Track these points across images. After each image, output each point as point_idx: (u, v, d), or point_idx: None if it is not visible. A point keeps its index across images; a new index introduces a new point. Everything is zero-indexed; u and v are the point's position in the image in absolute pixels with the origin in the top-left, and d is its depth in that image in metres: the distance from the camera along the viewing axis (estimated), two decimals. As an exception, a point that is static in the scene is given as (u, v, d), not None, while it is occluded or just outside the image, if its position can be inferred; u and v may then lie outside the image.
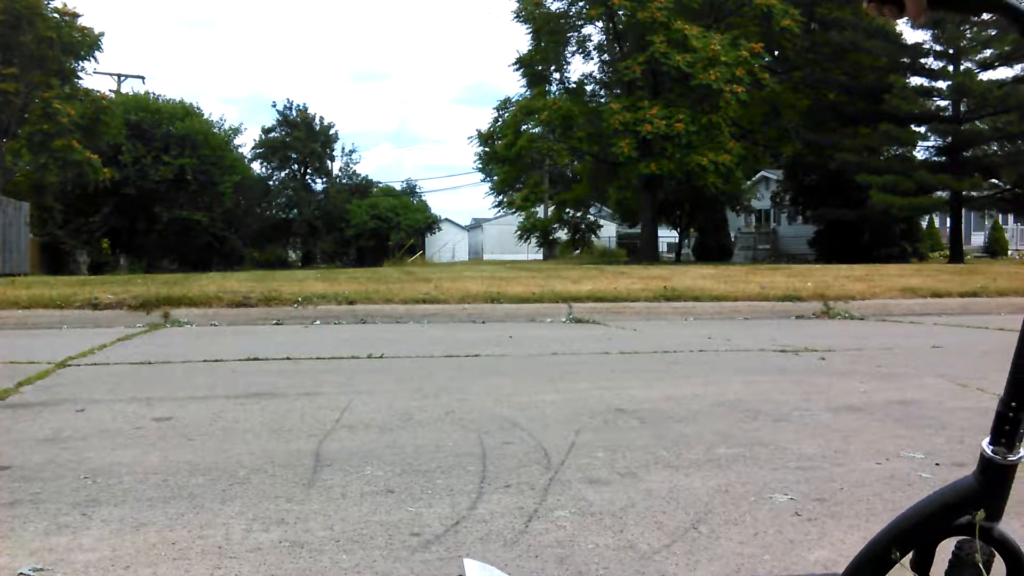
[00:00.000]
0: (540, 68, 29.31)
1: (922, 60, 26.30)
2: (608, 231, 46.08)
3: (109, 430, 2.99)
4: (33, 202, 25.06)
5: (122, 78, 36.51)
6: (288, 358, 4.93)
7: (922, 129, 26.55)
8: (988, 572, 1.16)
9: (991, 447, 1.12)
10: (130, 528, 1.96)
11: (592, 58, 30.59)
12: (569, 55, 29.86)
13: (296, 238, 45.20)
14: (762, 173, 36.13)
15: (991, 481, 1.12)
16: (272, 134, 45.53)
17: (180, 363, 4.75)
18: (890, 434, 2.93)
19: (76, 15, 24.52)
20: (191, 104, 36.76)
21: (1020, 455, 1.12)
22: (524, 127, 28.63)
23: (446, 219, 53.66)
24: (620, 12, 25.29)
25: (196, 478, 2.37)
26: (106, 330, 6.69)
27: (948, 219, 27.92)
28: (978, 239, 36.57)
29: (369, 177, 48.94)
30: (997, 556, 1.15)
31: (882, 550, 1.13)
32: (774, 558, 1.78)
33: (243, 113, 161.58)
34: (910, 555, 1.20)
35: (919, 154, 27.37)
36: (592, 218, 40.20)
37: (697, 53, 23.36)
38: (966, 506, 1.12)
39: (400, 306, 7.80)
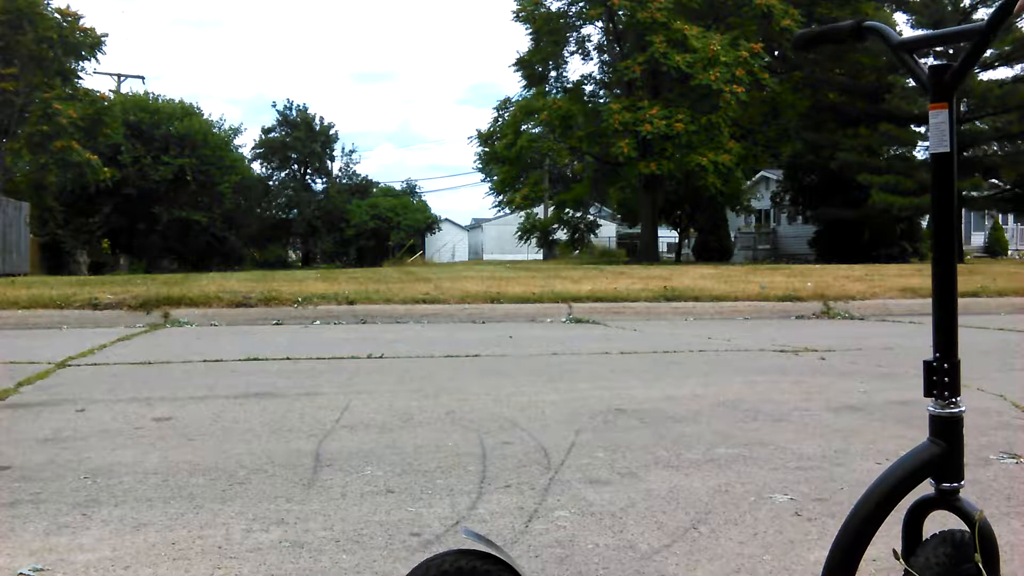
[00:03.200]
0: (540, 68, 29.32)
1: (922, 60, 26.29)
2: (608, 231, 46.06)
3: (109, 430, 2.99)
4: (33, 202, 25.05)
5: (122, 78, 36.53)
6: (288, 358, 4.92)
7: (922, 129, 26.55)
8: (964, 551, 1.17)
9: (930, 402, 1.17)
10: (130, 528, 1.95)
11: (592, 58, 30.59)
12: (568, 55, 29.89)
13: (296, 238, 45.19)
14: (762, 173, 36.12)
15: (942, 438, 1.15)
16: (272, 134, 45.53)
17: (180, 363, 4.75)
18: (890, 434, 2.93)
19: (78, 16, 24.53)
20: (191, 104, 36.75)
21: (961, 408, 1.16)
22: (524, 127, 28.64)
23: (446, 219, 53.65)
24: (620, 12, 25.28)
25: (196, 478, 2.37)
26: (106, 330, 6.69)
27: (948, 219, 27.87)
28: (978, 239, 36.57)
29: (369, 177, 48.98)
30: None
31: (857, 524, 1.15)
32: (774, 558, 1.78)
33: (247, 113, 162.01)
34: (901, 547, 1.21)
35: (919, 154, 27.38)
36: (592, 218, 40.18)
37: (697, 53, 23.35)
38: (926, 469, 1.16)
39: (400, 306, 7.80)
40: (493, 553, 1.06)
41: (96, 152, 25.94)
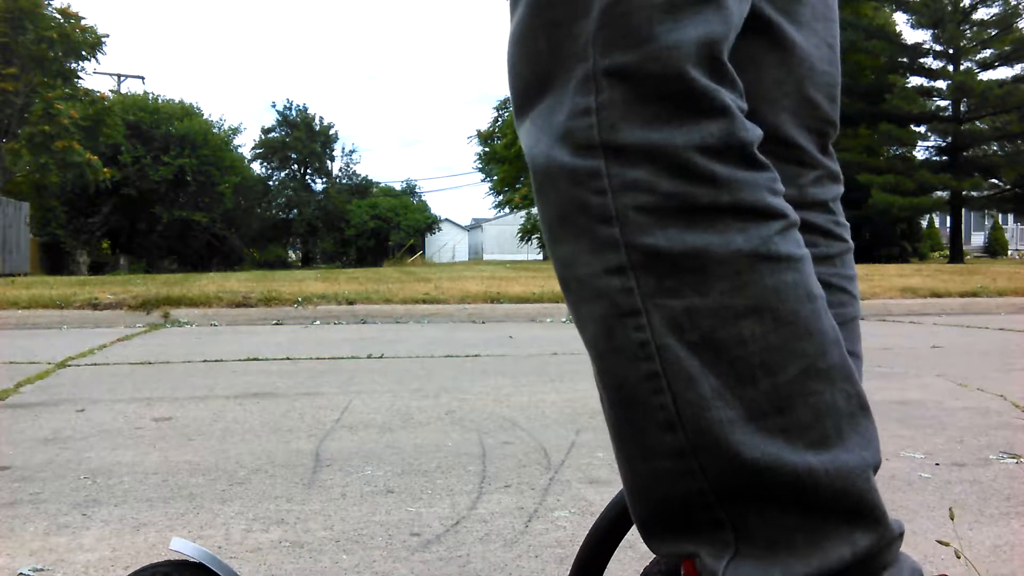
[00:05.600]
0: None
1: (922, 60, 26.34)
2: (608, 231, 45.97)
3: (109, 430, 2.99)
4: (33, 202, 25.06)
5: (122, 78, 36.54)
6: (288, 358, 4.93)
7: (922, 129, 26.57)
8: None
9: None
10: (130, 528, 1.95)
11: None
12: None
13: (296, 238, 45.16)
14: (762, 173, 36.08)
15: None
16: (272, 134, 45.51)
17: (180, 363, 4.75)
18: (890, 434, 2.92)
19: (79, 16, 24.53)
20: (191, 104, 36.77)
21: None
22: (524, 127, 28.65)
23: (446, 219, 53.65)
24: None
25: (196, 478, 2.37)
26: (106, 330, 6.69)
27: (948, 219, 27.94)
28: (978, 239, 36.59)
29: (369, 177, 48.97)
30: None
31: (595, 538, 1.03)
32: (774, 558, 1.78)
33: (247, 114, 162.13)
34: None
35: (919, 154, 27.39)
36: (592, 218, 40.11)
37: (697, 53, 23.37)
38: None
39: (400, 306, 7.80)
40: (206, 564, 0.99)
41: (96, 152, 25.95)
